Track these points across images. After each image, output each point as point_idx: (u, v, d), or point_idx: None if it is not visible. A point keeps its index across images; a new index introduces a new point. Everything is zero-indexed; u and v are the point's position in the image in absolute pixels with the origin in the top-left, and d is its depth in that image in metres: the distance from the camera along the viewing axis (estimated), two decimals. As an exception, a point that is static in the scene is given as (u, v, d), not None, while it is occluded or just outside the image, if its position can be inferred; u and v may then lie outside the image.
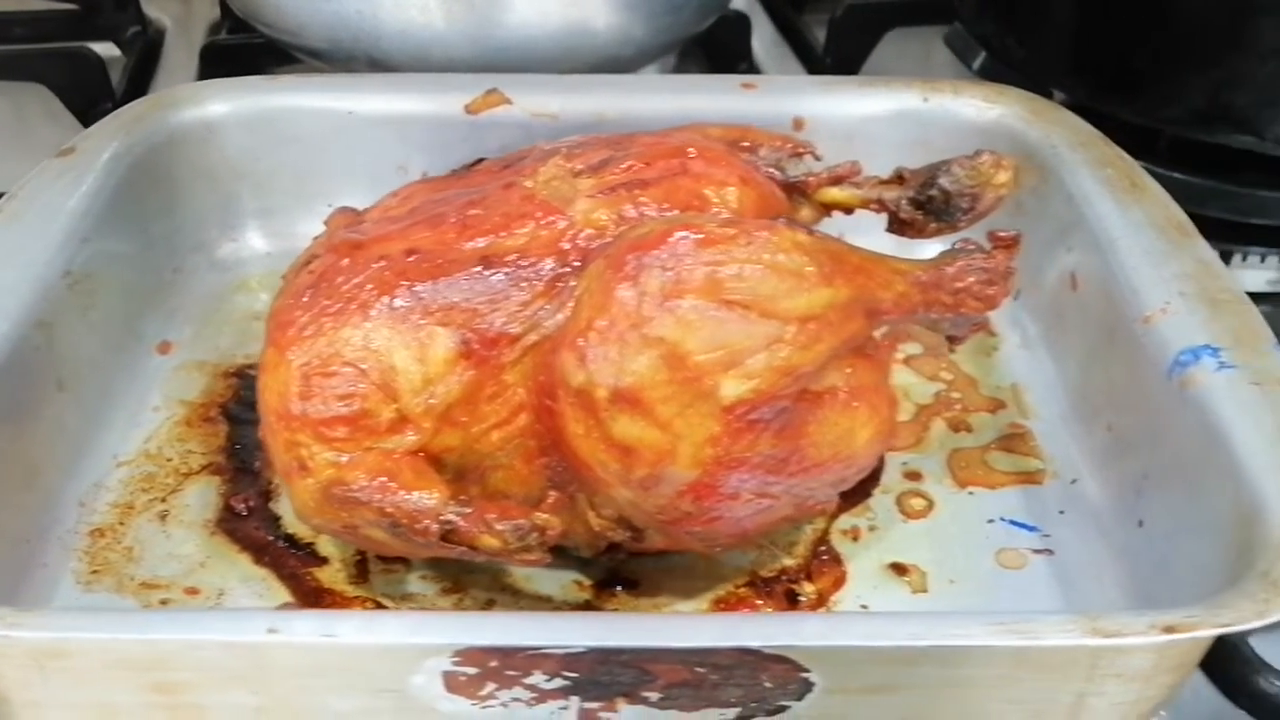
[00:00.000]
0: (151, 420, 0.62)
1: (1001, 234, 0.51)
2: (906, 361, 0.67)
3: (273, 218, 0.72)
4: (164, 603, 0.52)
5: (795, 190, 0.59)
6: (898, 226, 0.58)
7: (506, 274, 0.47)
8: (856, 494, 0.58)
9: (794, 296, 0.44)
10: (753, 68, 1.03)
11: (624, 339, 0.44)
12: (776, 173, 0.59)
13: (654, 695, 0.41)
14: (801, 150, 0.60)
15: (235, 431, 0.61)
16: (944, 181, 0.56)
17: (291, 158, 0.71)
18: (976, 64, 0.83)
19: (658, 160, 0.51)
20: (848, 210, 0.59)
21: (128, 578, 0.54)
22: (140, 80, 0.98)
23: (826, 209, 0.60)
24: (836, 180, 0.59)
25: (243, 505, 0.57)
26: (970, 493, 0.59)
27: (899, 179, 0.59)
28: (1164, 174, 0.75)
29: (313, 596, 0.53)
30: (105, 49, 1.03)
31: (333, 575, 0.54)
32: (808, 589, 0.54)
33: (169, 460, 0.59)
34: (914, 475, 0.60)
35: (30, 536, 0.53)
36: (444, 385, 0.47)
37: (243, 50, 0.95)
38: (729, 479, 0.46)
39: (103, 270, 0.61)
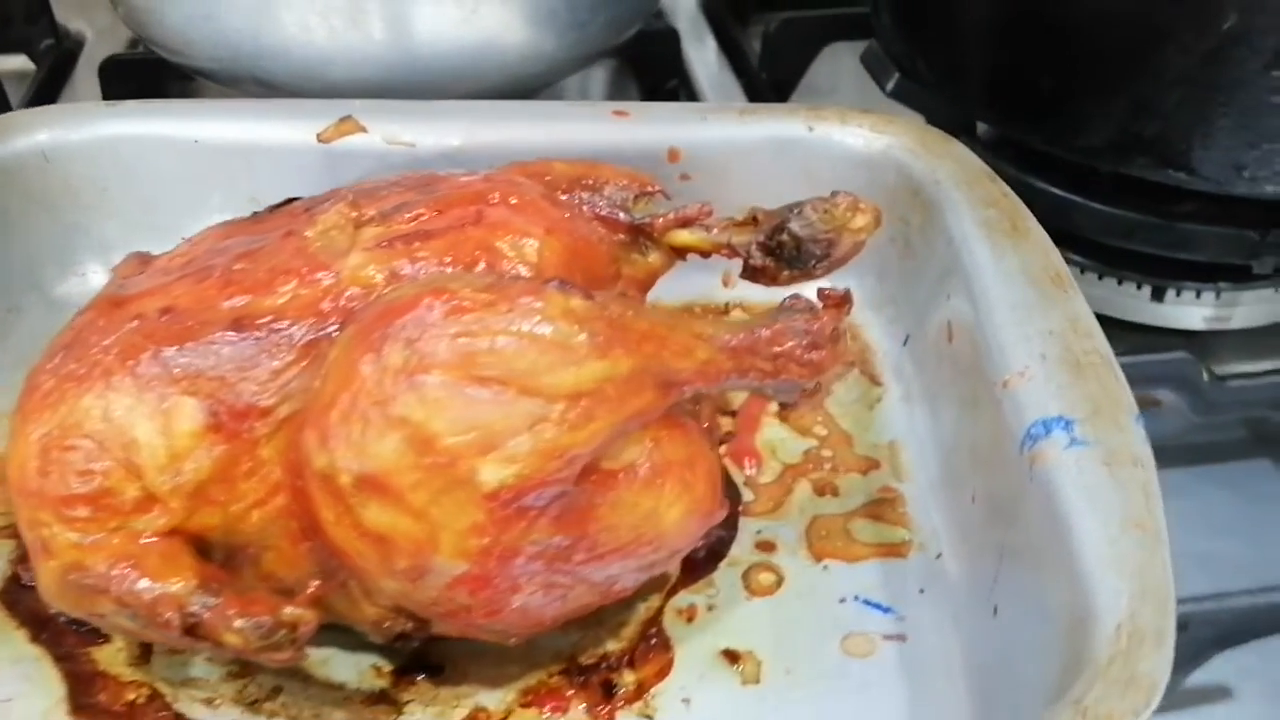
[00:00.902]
0: (-46, 476, 0.57)
1: (829, 291, 0.46)
2: (780, 414, 0.61)
3: (119, 251, 0.66)
4: (-77, 686, 0.48)
5: (642, 233, 0.54)
6: (750, 274, 0.53)
7: (258, 338, 0.42)
8: (699, 568, 0.53)
9: (559, 371, 0.39)
10: (685, 83, 0.98)
11: (367, 418, 0.39)
12: (621, 214, 0.54)
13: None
14: (650, 189, 0.55)
15: (42, 488, 0.57)
16: (795, 226, 0.51)
17: (138, 188, 0.67)
18: (890, 85, 0.78)
19: (452, 207, 0.46)
20: (702, 254, 0.55)
21: (-109, 657, 0.49)
22: (46, 96, 0.95)
23: (677, 253, 0.55)
24: (685, 222, 0.54)
25: (29, 574, 0.52)
26: (825, 567, 0.54)
27: (752, 221, 0.54)
28: (1092, 206, 0.70)
29: (86, 681, 0.49)
30: (19, 62, 1.00)
31: (112, 656, 0.50)
32: (627, 678, 0.49)
33: (-36, 522, 0.55)
34: (767, 545, 0.55)
35: None
36: (192, 461, 0.42)
37: (143, 66, 0.91)
38: (505, 570, 0.41)
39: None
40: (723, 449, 0.59)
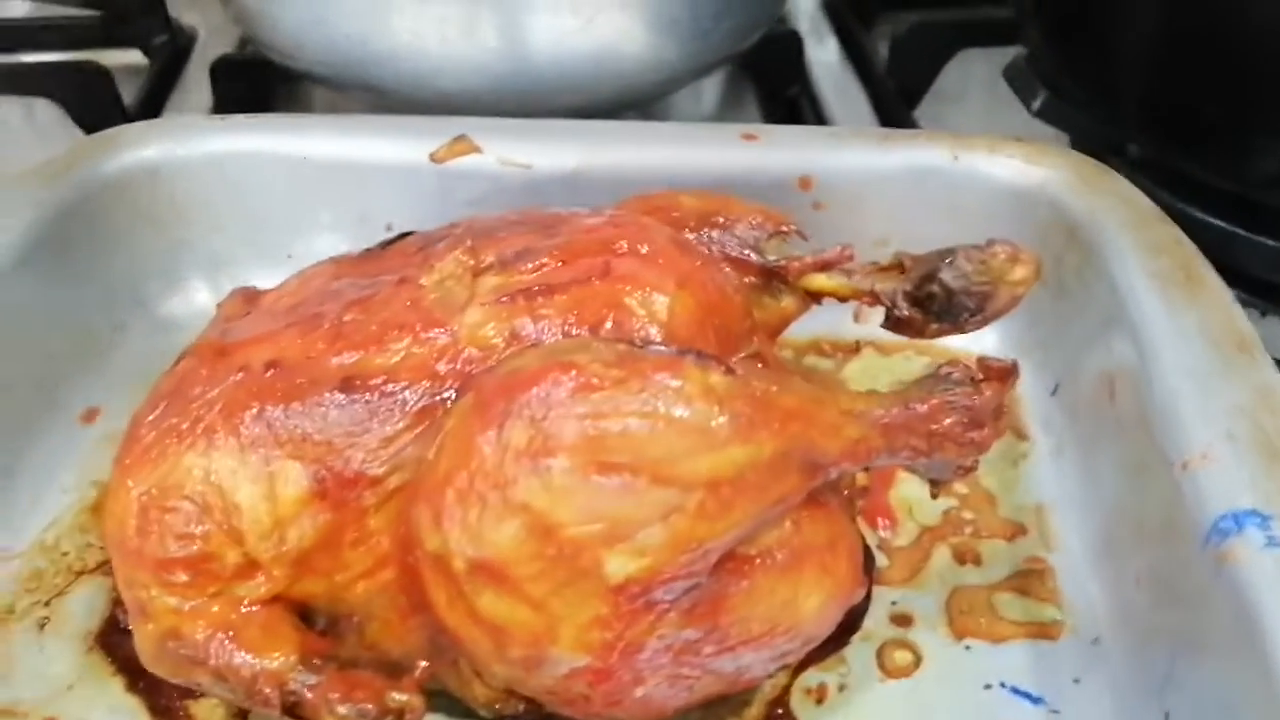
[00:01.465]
0: (57, 504, 0.56)
1: (993, 363, 0.41)
2: (931, 490, 0.57)
3: (224, 269, 0.66)
4: (19, 735, 0.46)
5: (775, 276, 0.50)
6: (894, 324, 0.49)
7: (368, 401, 0.39)
8: (829, 642, 0.49)
9: (697, 457, 0.35)
10: (806, 90, 0.93)
11: (485, 501, 0.36)
12: (754, 256, 0.50)
13: None
14: (784, 229, 0.51)
15: (142, 522, 0.55)
16: (947, 276, 0.47)
17: (246, 205, 0.65)
18: (1037, 104, 0.72)
19: (578, 257, 0.42)
20: (839, 299, 0.50)
21: (-12, 700, 0.48)
22: (157, 94, 0.93)
23: (813, 297, 0.51)
24: (823, 266, 0.50)
25: (127, 619, 0.50)
26: (967, 646, 0.49)
27: (898, 267, 0.49)
28: (1257, 240, 0.64)
29: (182, 738, 0.47)
30: (132, 57, 0.99)
31: (209, 712, 0.47)
32: (751, 765, 0.45)
33: (64, 554, 0.54)
34: (903, 619, 0.50)
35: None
36: (296, 529, 0.40)
37: (253, 66, 0.89)
38: (628, 663, 0.38)
39: (17, 332, 0.55)
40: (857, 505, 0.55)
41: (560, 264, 0.42)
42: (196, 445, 0.40)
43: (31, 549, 0.54)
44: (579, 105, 0.75)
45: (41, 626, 0.51)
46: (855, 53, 0.96)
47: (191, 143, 0.63)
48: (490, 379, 0.37)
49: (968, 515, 0.55)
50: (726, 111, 0.95)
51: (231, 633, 0.40)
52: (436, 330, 0.40)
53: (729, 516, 0.36)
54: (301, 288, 0.46)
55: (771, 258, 0.50)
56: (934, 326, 0.48)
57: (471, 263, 0.42)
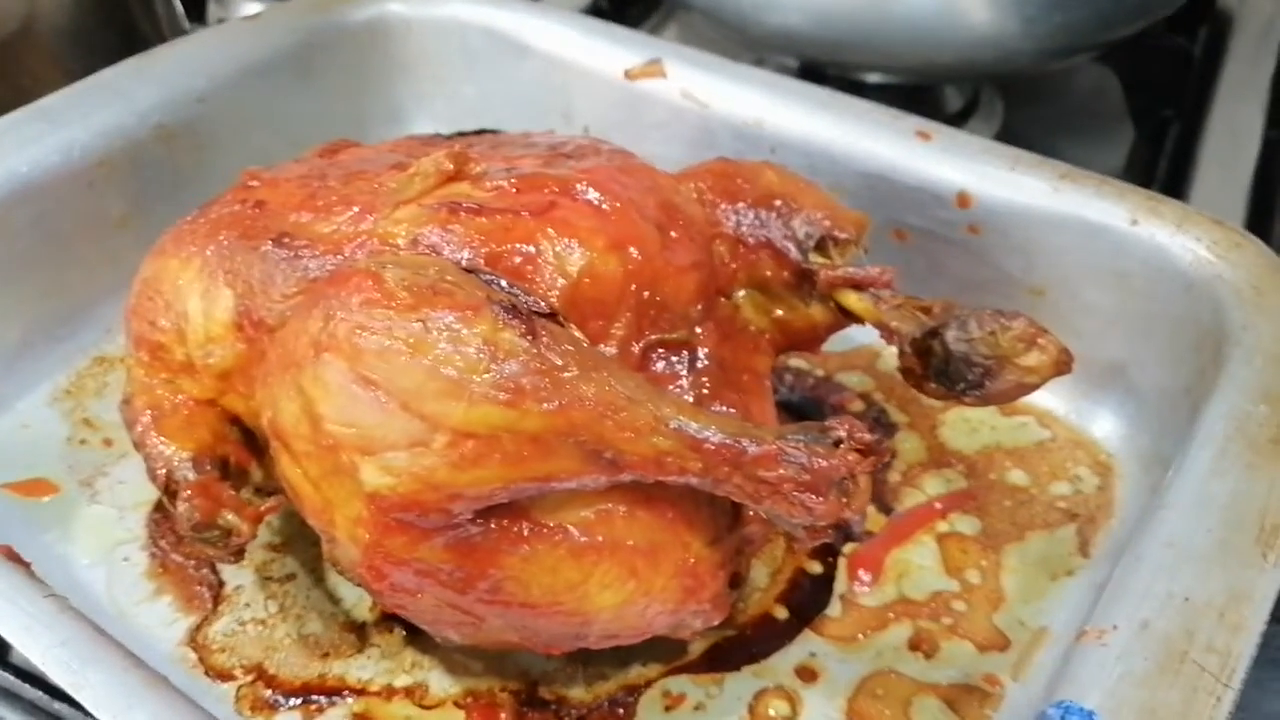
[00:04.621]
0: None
1: (857, 433, 0.36)
2: (943, 537, 0.51)
3: (431, 129, 0.71)
4: (82, 443, 0.56)
5: (807, 279, 0.47)
6: (903, 369, 0.44)
7: (285, 258, 0.43)
8: (718, 661, 0.47)
9: (447, 401, 0.35)
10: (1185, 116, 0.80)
11: (281, 375, 0.38)
12: (793, 250, 0.47)
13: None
14: (843, 236, 0.47)
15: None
16: (950, 337, 0.42)
17: (465, 74, 0.69)
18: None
19: (535, 190, 0.42)
20: (863, 323, 0.46)
21: (81, 408, 0.58)
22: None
23: (843, 314, 0.47)
24: (856, 284, 0.46)
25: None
26: (849, 730, 0.45)
27: (926, 310, 0.44)
28: None
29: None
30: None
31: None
32: (560, 736, 0.45)
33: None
34: (808, 674, 0.47)
35: (46, 336, 0.59)
36: (220, 348, 0.45)
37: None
38: (396, 572, 0.39)
39: (221, 128, 0.63)
40: (847, 548, 0.51)
41: (514, 190, 0.42)
42: (181, 253, 0.46)
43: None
44: (910, 64, 0.71)
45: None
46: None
47: (432, 5, 0.68)
48: (338, 269, 0.39)
49: (958, 607, 0.49)
50: (1088, 103, 0.85)
51: (157, 414, 0.46)
52: (371, 216, 0.43)
53: (475, 471, 0.36)
54: (359, 150, 0.50)
55: (809, 260, 0.47)
56: (931, 385, 0.43)
57: (450, 167, 0.44)
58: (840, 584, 0.50)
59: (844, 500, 0.36)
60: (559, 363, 0.36)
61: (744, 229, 0.47)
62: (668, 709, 0.46)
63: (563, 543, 0.38)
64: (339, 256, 0.42)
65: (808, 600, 0.49)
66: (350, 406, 0.36)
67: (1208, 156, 0.72)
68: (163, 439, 0.45)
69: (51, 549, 0.50)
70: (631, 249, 0.42)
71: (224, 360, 0.45)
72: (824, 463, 0.36)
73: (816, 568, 0.50)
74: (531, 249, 0.41)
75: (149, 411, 0.46)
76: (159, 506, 0.53)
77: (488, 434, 0.35)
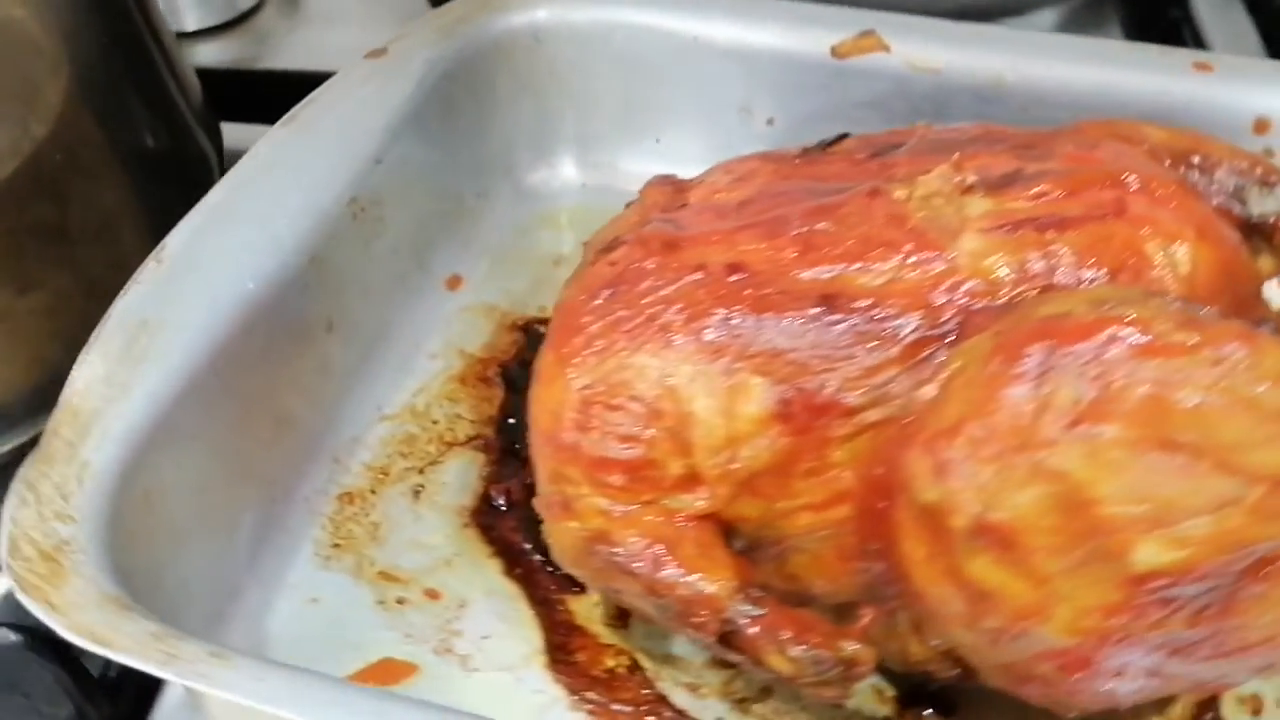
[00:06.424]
0: (425, 370, 0.55)
1: None
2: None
3: (592, 146, 0.63)
4: (400, 603, 0.46)
5: (1257, 233, 0.44)
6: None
7: (852, 325, 0.36)
8: None
9: (1269, 448, 0.30)
10: (1188, 18, 0.83)
11: (1006, 460, 0.32)
12: (1236, 205, 0.44)
13: None
14: (1271, 178, 0.44)
15: (510, 401, 0.54)
16: None
17: (624, 81, 0.62)
18: None
19: (1084, 189, 0.37)
20: (1315, 268, 0.44)
21: (368, 561, 0.48)
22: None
23: (1293, 261, 0.45)
24: (1311, 227, 0.44)
25: (502, 498, 0.49)
26: None
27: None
28: None
29: (564, 633, 0.45)
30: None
31: (589, 610, 0.46)
32: (1160, 766, 0.41)
33: (435, 423, 0.53)
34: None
35: (276, 496, 0.48)
36: (750, 448, 0.37)
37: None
38: (1114, 656, 0.34)
39: (396, 193, 0.54)
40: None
41: (1065, 194, 0.37)
42: (650, 344, 0.38)
43: (402, 412, 0.53)
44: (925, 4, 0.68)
45: (416, 494, 0.50)
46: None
47: (581, 9, 0.60)
48: (1017, 322, 0.33)
49: None
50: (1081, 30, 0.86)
51: (667, 546, 0.37)
52: (929, 254, 0.36)
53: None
54: (741, 184, 0.42)
55: (1258, 211, 0.44)
56: None
57: (959, 179, 0.38)
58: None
59: None
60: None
61: (1192, 192, 0.44)
62: (1254, 713, 0.43)
63: (1285, 569, 0.35)
64: (924, 312, 0.35)
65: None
66: (1145, 479, 0.30)
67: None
68: (691, 575, 0.37)
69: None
70: (1213, 236, 0.38)
71: (755, 461, 0.37)
72: None
73: None
74: (1138, 254, 0.36)
75: (654, 546, 0.37)
76: (550, 650, 0.45)
77: (1297, 474, 0.31)
